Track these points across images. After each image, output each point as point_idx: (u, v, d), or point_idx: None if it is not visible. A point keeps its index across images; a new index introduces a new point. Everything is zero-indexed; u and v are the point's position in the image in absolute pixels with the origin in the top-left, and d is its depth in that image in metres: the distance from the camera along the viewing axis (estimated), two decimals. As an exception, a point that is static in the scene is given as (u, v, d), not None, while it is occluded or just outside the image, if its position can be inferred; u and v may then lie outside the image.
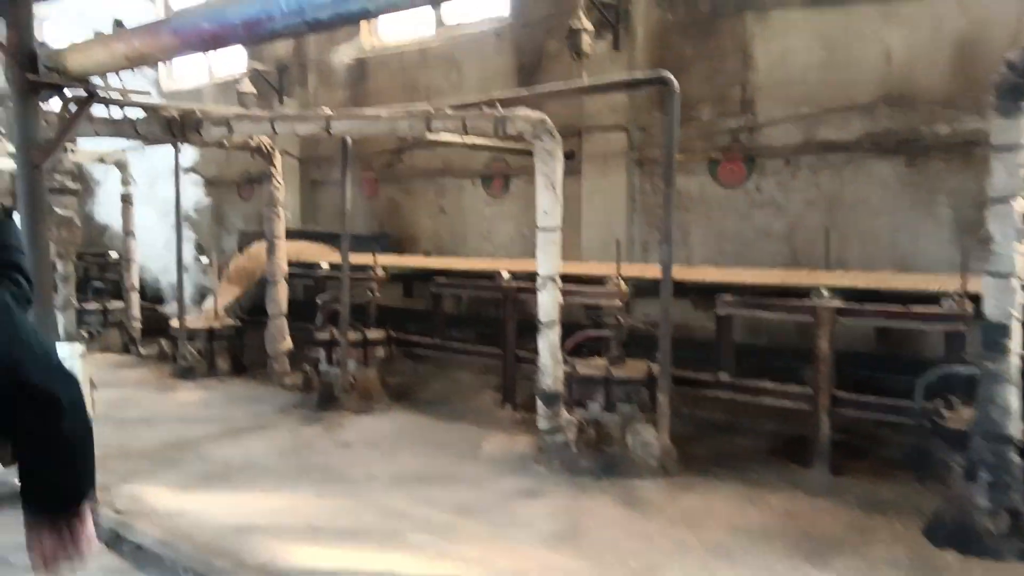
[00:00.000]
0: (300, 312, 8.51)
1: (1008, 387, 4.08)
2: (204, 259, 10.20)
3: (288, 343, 8.04)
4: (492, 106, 5.38)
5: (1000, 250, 4.02)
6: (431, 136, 6.12)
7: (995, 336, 4.08)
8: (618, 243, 6.19)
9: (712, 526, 4.68)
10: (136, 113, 6.61)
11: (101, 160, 9.87)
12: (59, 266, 5.33)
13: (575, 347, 5.95)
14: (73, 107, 4.79)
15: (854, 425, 5.86)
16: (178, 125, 6.55)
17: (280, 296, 8.13)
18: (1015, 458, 4.11)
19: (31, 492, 1.68)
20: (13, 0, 4.34)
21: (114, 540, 4.45)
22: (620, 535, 4.56)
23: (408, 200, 10.85)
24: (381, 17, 11.13)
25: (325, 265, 8.91)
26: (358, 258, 8.01)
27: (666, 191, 5.29)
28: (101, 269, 11.95)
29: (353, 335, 7.43)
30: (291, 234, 8.74)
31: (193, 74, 14.08)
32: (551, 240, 5.29)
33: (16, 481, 1.71)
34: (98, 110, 6.07)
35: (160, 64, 13.54)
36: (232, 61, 13.01)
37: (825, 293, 5.43)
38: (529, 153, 8.11)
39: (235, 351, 9.13)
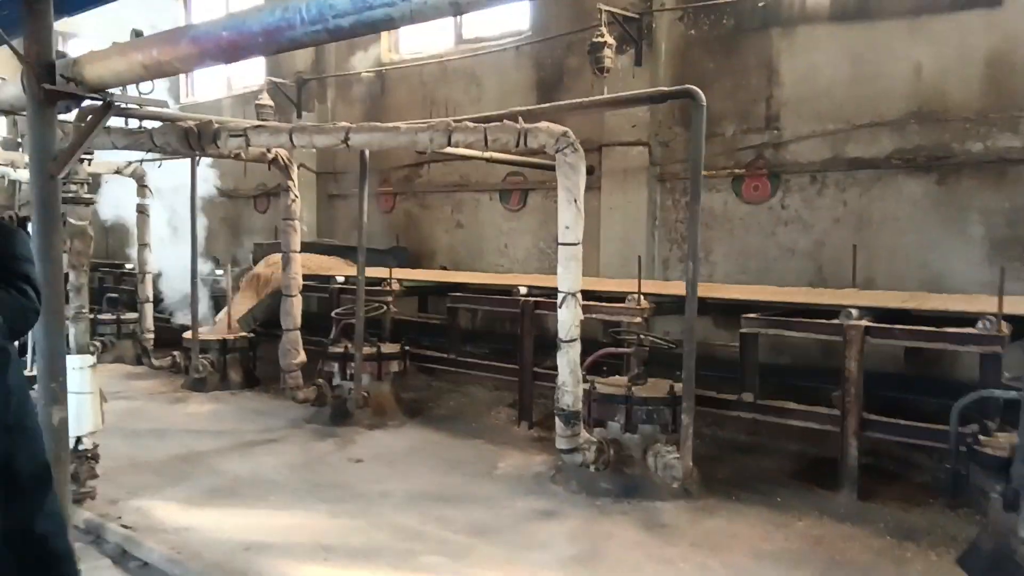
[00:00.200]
0: (314, 325, 8.42)
1: (1051, 412, 3.91)
2: (219, 271, 10.15)
3: (302, 357, 7.93)
4: (514, 120, 5.28)
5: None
6: (451, 149, 6.03)
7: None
8: (639, 259, 6.07)
9: (736, 551, 4.54)
10: (153, 124, 6.56)
11: (118, 171, 9.86)
12: (72, 277, 5.25)
13: (594, 365, 5.82)
14: (90, 118, 4.73)
15: (882, 448, 5.69)
16: (195, 136, 6.49)
17: (295, 309, 8.04)
18: (1059, 487, 3.93)
19: None
20: (31, 9, 4.30)
21: (120, 556, 4.35)
22: (641, 559, 4.42)
23: (425, 214, 10.78)
24: (402, 30, 11.18)
25: (340, 278, 8.84)
26: (374, 271, 7.92)
27: (692, 207, 5.17)
28: (116, 280, 11.95)
29: (367, 349, 7.34)
30: (307, 247, 8.67)
31: (212, 87, 14.13)
32: (573, 256, 5.17)
33: None
34: (115, 121, 6.03)
35: (180, 76, 13.63)
36: (251, 74, 13.04)
37: (854, 313, 5.28)
38: (547, 167, 8.09)
39: (248, 363, 9.06)
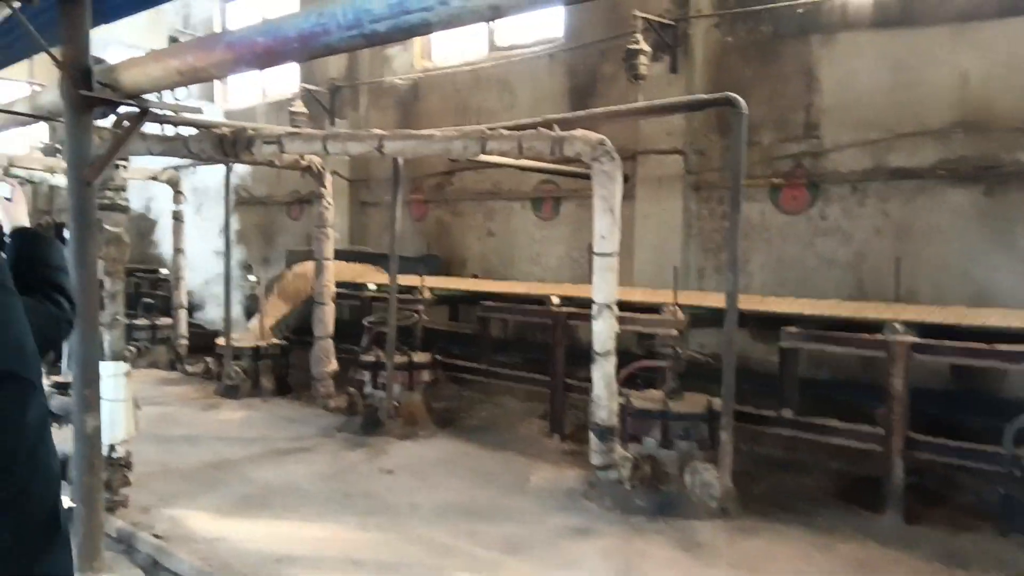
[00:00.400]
0: (345, 333, 8.41)
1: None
2: (252, 277, 10.20)
3: (334, 365, 7.92)
4: (548, 127, 5.20)
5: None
6: (484, 157, 5.97)
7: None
8: (676, 270, 5.95)
9: (776, 573, 4.39)
10: (188, 131, 6.60)
11: (153, 178, 9.96)
12: (107, 283, 5.26)
13: (629, 378, 5.71)
14: (126, 124, 4.75)
15: (927, 467, 5.49)
16: (230, 143, 6.51)
17: (327, 317, 8.04)
18: (1120, 515, 3.74)
19: None
20: (68, 15, 4.32)
21: (152, 567, 4.32)
22: (678, 580, 4.30)
23: (457, 222, 10.75)
24: (435, 38, 11.16)
25: (372, 286, 8.82)
26: (405, 279, 7.88)
27: (732, 217, 5.04)
28: (152, 286, 12.07)
29: (399, 358, 7.29)
30: (339, 254, 8.68)
31: (246, 94, 14.25)
32: (608, 266, 5.07)
33: None
34: (151, 128, 6.06)
35: (215, 84, 13.77)
36: (285, 81, 13.13)
37: (899, 327, 5.11)
38: (581, 175, 8.00)
39: (280, 371, 9.07)
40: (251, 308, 10.04)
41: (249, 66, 3.95)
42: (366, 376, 7.40)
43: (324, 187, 7.89)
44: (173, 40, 5.09)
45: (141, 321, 10.60)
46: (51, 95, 5.14)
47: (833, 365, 6.78)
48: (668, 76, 7.96)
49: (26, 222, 1.99)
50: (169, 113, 5.91)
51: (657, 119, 7.81)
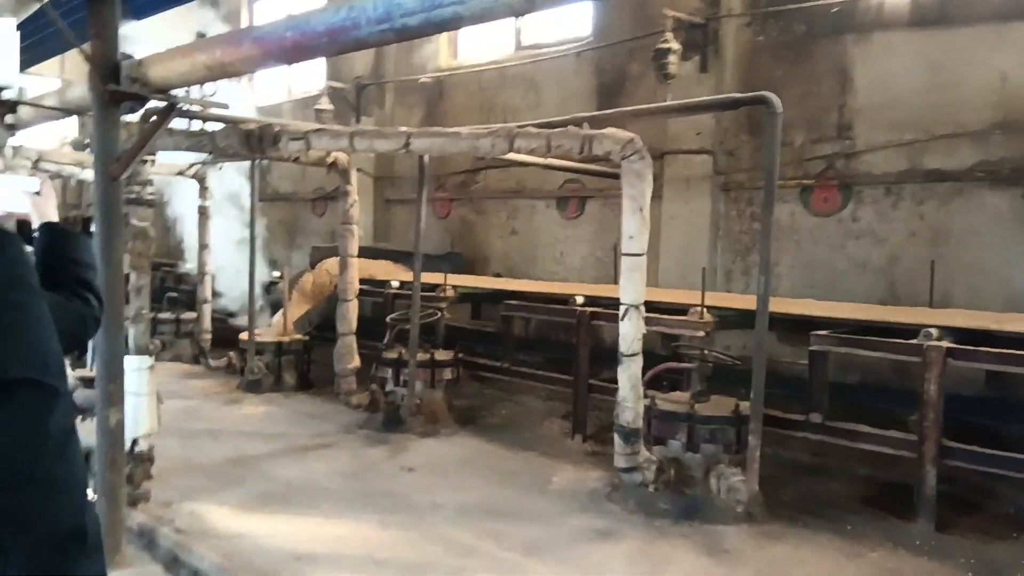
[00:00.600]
0: (367, 330, 8.39)
1: None
2: (276, 273, 10.24)
3: (357, 362, 7.89)
4: (578, 125, 5.14)
5: None
6: (510, 155, 5.91)
7: None
8: (704, 271, 5.86)
9: (804, 582, 4.30)
10: (214, 127, 6.61)
11: (180, 173, 10.01)
12: (133, 278, 5.27)
13: (654, 379, 5.62)
14: (153, 119, 4.75)
15: (959, 475, 5.36)
16: (256, 139, 6.51)
17: (351, 314, 8.02)
18: None
19: None
20: (97, 11, 4.33)
21: (172, 563, 4.31)
22: (703, 587, 4.22)
23: (480, 220, 10.71)
24: (462, 36, 11.14)
25: (395, 283, 8.80)
26: (428, 277, 7.85)
27: (765, 219, 4.95)
28: (177, 280, 12.15)
29: (421, 356, 7.26)
30: (362, 251, 8.67)
31: (273, 91, 14.31)
32: (637, 266, 4.99)
33: None
34: (178, 123, 6.07)
35: (242, 81, 13.83)
36: (311, 79, 13.16)
37: (934, 333, 4.99)
38: (607, 175, 7.93)
39: (302, 366, 9.08)
40: (275, 303, 10.07)
41: (277, 61, 3.93)
42: (388, 373, 7.37)
43: (350, 184, 7.88)
44: (201, 36, 5.11)
45: (165, 315, 10.67)
46: (80, 90, 5.17)
47: (862, 369, 6.65)
48: (697, 76, 7.86)
49: (55, 217, 1.96)
50: (196, 108, 5.92)
51: (685, 119, 7.71)
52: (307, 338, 9.27)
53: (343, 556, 4.50)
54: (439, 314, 7.73)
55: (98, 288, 1.88)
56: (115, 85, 4.30)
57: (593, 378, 6.93)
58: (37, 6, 5.18)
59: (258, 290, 9.06)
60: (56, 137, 10.80)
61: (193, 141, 6.62)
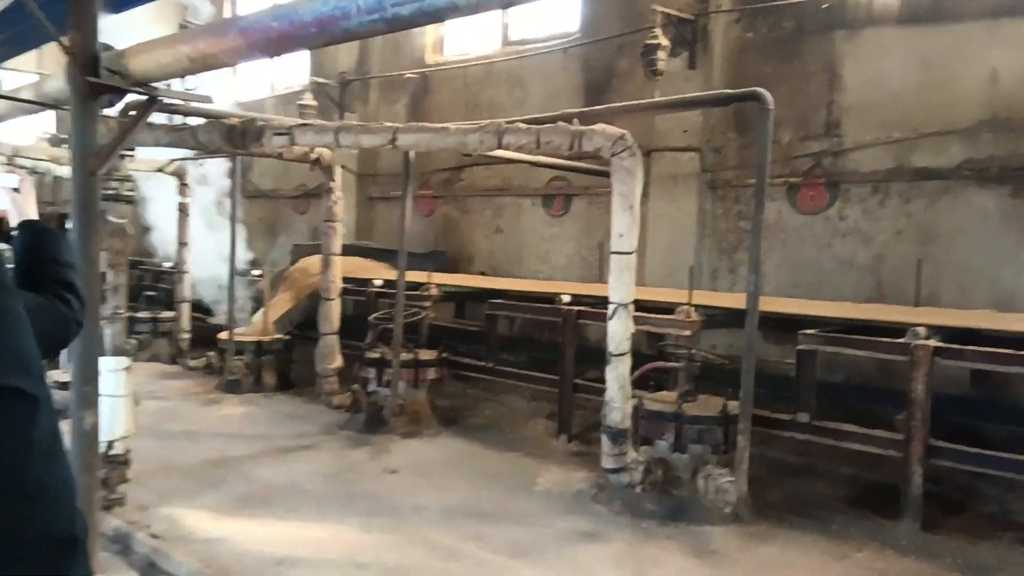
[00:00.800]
0: (349, 329, 8.29)
1: None
2: (256, 271, 10.10)
3: (339, 362, 7.79)
4: (568, 121, 5.06)
5: None
6: (497, 152, 5.83)
7: None
8: (691, 270, 5.81)
9: (793, 583, 4.26)
10: (195, 122, 6.48)
11: (160, 170, 9.85)
12: (110, 276, 5.15)
13: (640, 379, 5.57)
14: (133, 113, 4.63)
15: (943, 475, 5.35)
16: (239, 134, 6.38)
17: (333, 313, 7.91)
18: None
19: None
20: (76, 1, 4.21)
21: (148, 569, 4.20)
22: (691, 589, 4.17)
23: (465, 218, 10.62)
24: (448, 32, 11.04)
25: (378, 282, 8.70)
26: (413, 276, 7.76)
27: (755, 216, 4.92)
28: (155, 278, 11.98)
29: (405, 355, 7.16)
30: (345, 249, 8.57)
31: (255, 87, 14.11)
32: (626, 265, 4.93)
33: None
34: (158, 118, 5.94)
35: (222, 76, 13.64)
36: (294, 74, 13.01)
37: (922, 332, 4.97)
38: (594, 172, 7.86)
39: (283, 366, 8.96)
40: (255, 302, 9.94)
41: (263, 53, 3.81)
42: (371, 373, 7.27)
43: (333, 181, 7.76)
44: (183, 26, 5.02)
45: (143, 314, 10.50)
46: (57, 82, 5.01)
47: (848, 369, 6.63)
48: (686, 72, 7.81)
49: (35, 215, 1.89)
50: (178, 102, 5.79)
51: (673, 116, 7.67)
52: (288, 337, 9.15)
53: (325, 560, 4.41)
54: (423, 313, 7.64)
55: (80, 290, 1.81)
56: (94, 77, 4.18)
57: (578, 377, 6.87)
58: (14, -1, 5.05)
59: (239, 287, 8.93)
60: (32, 132, 10.60)
61: (174, 136, 6.47)
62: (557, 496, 5.57)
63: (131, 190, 5.91)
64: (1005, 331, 5.08)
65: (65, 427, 4.01)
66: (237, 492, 5.44)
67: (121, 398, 4.65)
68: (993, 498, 5.35)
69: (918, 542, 4.78)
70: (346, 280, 8.50)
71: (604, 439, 5.09)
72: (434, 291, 7.91)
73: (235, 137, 6.37)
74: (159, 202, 10.56)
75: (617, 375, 5.02)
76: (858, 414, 5.65)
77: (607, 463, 5.10)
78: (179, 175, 10.09)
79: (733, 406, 5.17)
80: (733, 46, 7.89)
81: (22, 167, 8.26)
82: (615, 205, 4.92)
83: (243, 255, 9.63)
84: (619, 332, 4.98)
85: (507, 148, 5.25)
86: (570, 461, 6.40)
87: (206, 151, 7.41)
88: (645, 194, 7.87)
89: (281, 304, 9.63)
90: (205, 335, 9.96)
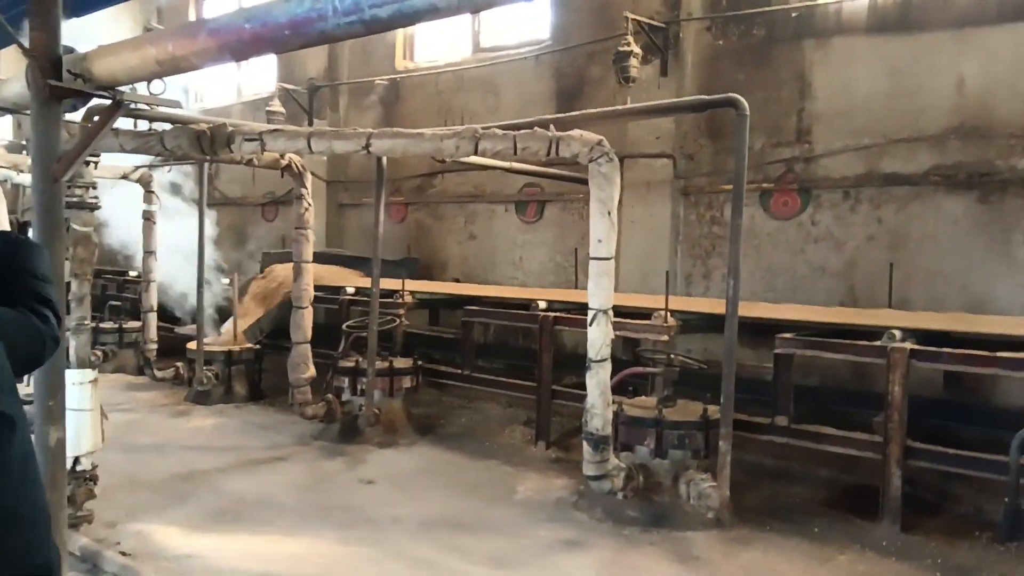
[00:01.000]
0: (320, 337, 8.15)
1: None
2: (225, 280, 9.91)
3: (312, 371, 7.65)
4: (544, 127, 5.03)
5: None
6: (473, 158, 5.78)
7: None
8: (668, 275, 5.81)
9: (777, 588, 4.26)
10: (164, 126, 6.32)
11: (124, 177, 9.62)
12: (75, 286, 4.99)
13: (619, 384, 5.54)
14: (97, 118, 4.50)
15: (918, 476, 5.40)
16: (208, 140, 6.24)
17: (305, 322, 7.77)
18: None
19: None
20: (38, 1, 4.08)
21: (118, 588, 4.07)
22: (675, 596, 4.14)
23: (437, 225, 10.54)
24: (420, 38, 10.96)
25: (351, 289, 8.58)
26: (386, 283, 7.67)
27: (734, 221, 4.93)
28: (120, 288, 11.71)
29: (379, 364, 7.06)
30: (315, 257, 8.43)
31: (221, 92, 13.90)
32: (605, 271, 4.90)
33: None
34: (124, 123, 5.78)
35: (188, 81, 13.42)
36: (261, 80, 12.83)
37: (898, 335, 5.01)
38: (568, 178, 7.85)
39: (253, 376, 8.80)
40: (224, 311, 9.75)
41: (235, 55, 3.71)
42: (345, 382, 7.17)
43: (304, 187, 7.63)
44: (148, 30, 4.89)
45: (108, 324, 10.26)
46: (17, 86, 4.84)
47: (823, 373, 6.67)
48: (658, 79, 7.83)
49: (6, 225, 1.79)
50: (144, 106, 5.64)
51: (645, 122, 7.68)
52: (259, 347, 8.99)
53: (299, 575, 4.31)
54: (397, 321, 7.54)
55: (57, 305, 1.76)
56: (56, 80, 4.05)
57: (555, 384, 6.83)
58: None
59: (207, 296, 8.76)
60: (-11, 139, 10.31)
61: (140, 142, 6.30)
62: (537, 504, 5.52)
63: (95, 197, 5.74)
64: (977, 333, 5.14)
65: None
66: (208, 506, 5.31)
67: (87, 412, 4.49)
68: (966, 499, 5.40)
69: (898, 543, 4.82)
70: (317, 288, 8.37)
71: (586, 446, 5.05)
72: (408, 298, 7.82)
73: (204, 143, 6.23)
74: (123, 210, 10.31)
75: (598, 381, 4.98)
76: (835, 417, 5.68)
77: (589, 470, 5.05)
78: (144, 182, 9.87)
79: (713, 410, 5.17)
80: (705, 53, 7.93)
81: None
82: (593, 211, 4.89)
83: (211, 263, 9.44)
84: (599, 338, 4.94)
85: (483, 154, 5.20)
86: (549, 468, 6.36)
87: (173, 157, 7.25)
88: (619, 201, 7.93)
89: (251, 313, 9.46)
90: (172, 345, 9.75)
